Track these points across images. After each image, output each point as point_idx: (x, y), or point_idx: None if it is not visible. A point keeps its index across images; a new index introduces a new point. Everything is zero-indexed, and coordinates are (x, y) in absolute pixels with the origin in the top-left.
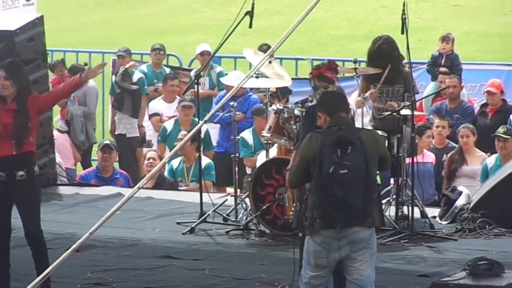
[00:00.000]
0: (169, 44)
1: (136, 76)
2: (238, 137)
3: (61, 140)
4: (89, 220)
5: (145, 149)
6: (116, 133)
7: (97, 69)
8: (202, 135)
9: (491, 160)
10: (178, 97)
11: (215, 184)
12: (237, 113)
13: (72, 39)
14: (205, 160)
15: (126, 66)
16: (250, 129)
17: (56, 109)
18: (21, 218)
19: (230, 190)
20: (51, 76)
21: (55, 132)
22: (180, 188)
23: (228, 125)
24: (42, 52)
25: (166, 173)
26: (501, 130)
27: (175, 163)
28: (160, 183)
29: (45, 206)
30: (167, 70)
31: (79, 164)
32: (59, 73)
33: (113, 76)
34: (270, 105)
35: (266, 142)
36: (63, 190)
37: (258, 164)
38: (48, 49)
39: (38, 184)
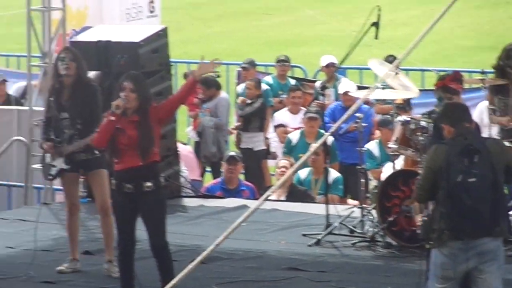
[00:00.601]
0: (294, 55)
1: (262, 87)
2: (364, 149)
3: (185, 151)
4: (214, 232)
5: (270, 161)
6: (242, 146)
7: (210, 66)
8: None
9: None
10: (304, 109)
11: (341, 198)
12: (354, 124)
13: (196, 50)
14: (334, 174)
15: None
16: (376, 140)
17: (182, 120)
18: (146, 230)
19: (353, 202)
20: None
21: (178, 144)
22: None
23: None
24: (166, 63)
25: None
26: None
27: (303, 174)
28: (292, 192)
29: (170, 218)
30: (292, 81)
31: (207, 175)
32: None
33: (238, 88)
34: (396, 117)
35: (392, 153)
36: (188, 202)
37: (384, 175)
38: (172, 61)
39: (164, 195)
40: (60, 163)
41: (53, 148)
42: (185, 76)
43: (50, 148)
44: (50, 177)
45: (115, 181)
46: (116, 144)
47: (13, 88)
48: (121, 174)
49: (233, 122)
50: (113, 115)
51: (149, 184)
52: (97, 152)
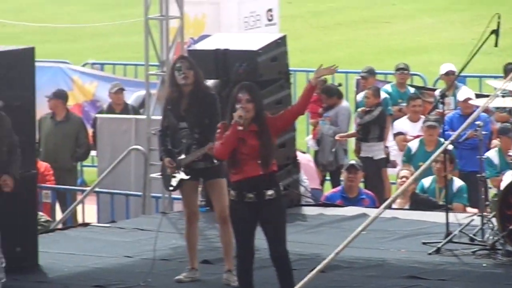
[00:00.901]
0: (414, 63)
1: (381, 96)
2: (484, 157)
3: (305, 160)
4: (334, 240)
5: (389, 169)
6: (361, 155)
7: (326, 70)
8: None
9: None
10: (423, 117)
11: (466, 207)
12: (474, 132)
13: (315, 59)
14: (458, 182)
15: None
16: (496, 149)
17: (301, 129)
18: (267, 239)
19: (472, 210)
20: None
21: (298, 153)
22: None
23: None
24: (285, 72)
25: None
26: None
27: (427, 182)
28: (414, 200)
29: (290, 227)
30: (411, 89)
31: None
32: (317, 91)
33: (357, 96)
34: None
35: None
36: (307, 210)
37: (504, 184)
38: (290, 69)
39: (284, 204)
40: (180, 174)
41: (173, 164)
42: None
43: (169, 163)
44: (171, 188)
45: (235, 191)
46: (236, 154)
47: (132, 97)
48: (242, 184)
49: (352, 130)
50: (239, 125)
51: (270, 192)
52: (215, 161)
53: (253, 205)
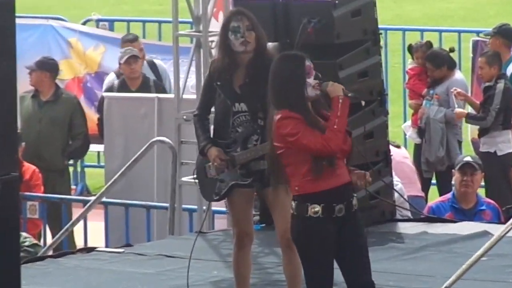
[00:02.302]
0: None
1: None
2: None
3: (399, 157)
4: (442, 269)
5: None
6: (482, 150)
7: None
8: None
9: None
10: None
11: None
12: None
13: (415, 13)
14: None
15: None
16: None
17: (397, 112)
18: (350, 266)
19: None
20: (409, 63)
21: (391, 147)
22: None
23: None
24: (372, 31)
25: None
26: None
27: None
28: None
29: (379, 251)
30: None
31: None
32: (420, 60)
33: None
34: None
35: None
36: (405, 227)
37: None
38: (381, 27)
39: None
40: (231, 176)
41: (223, 160)
42: (410, 49)
43: (218, 158)
44: (217, 198)
45: (321, 204)
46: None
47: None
48: (332, 193)
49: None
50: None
51: (355, 202)
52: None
53: (340, 221)
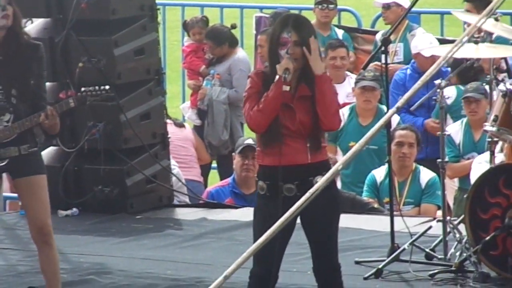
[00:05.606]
0: None
1: None
2: (446, 133)
3: (179, 138)
4: (223, 257)
5: None
6: None
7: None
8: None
9: None
10: (353, 75)
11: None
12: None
13: None
14: (427, 174)
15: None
16: (462, 120)
17: (174, 91)
18: (313, 246)
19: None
20: (185, 41)
21: (170, 127)
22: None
23: None
24: (150, 6)
25: (366, 190)
26: None
27: (379, 174)
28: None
29: (156, 238)
30: (339, 32)
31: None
32: (197, 36)
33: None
34: (497, 85)
35: (489, 139)
36: (183, 213)
37: (475, 173)
38: (159, 3)
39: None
40: None
41: None
42: (185, 25)
43: None
44: None
45: (267, 181)
46: (277, 128)
47: None
48: (278, 170)
49: None
50: (285, 83)
51: (316, 182)
52: (39, 144)
53: (291, 201)
